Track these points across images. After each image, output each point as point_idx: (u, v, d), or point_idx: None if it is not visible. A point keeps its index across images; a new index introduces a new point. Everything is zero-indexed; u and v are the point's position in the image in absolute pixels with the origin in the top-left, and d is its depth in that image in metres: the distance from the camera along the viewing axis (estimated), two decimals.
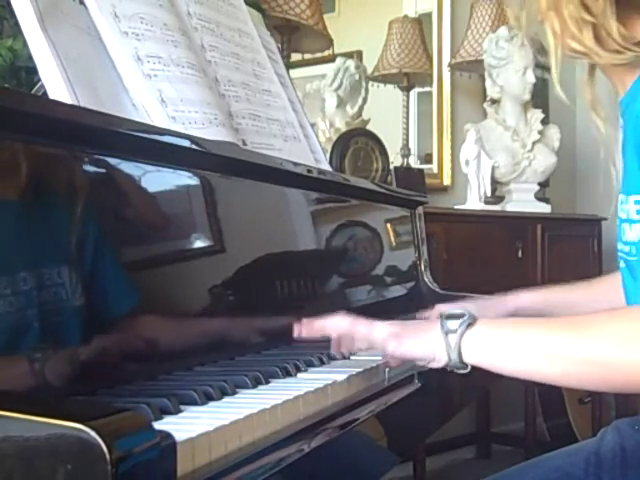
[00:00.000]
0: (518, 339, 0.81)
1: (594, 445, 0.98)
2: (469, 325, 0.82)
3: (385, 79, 2.98)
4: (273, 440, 0.66)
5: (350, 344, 0.89)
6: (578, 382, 0.81)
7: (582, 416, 2.89)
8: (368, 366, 0.93)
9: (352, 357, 0.98)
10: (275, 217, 1.11)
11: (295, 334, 0.90)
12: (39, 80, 0.87)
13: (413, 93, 3.06)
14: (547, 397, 2.87)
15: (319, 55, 2.52)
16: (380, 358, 0.95)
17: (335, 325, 0.89)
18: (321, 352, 0.95)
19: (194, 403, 0.69)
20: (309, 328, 0.90)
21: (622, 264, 0.93)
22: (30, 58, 0.86)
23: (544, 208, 2.97)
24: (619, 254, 0.93)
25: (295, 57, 2.41)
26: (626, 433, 0.97)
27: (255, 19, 1.32)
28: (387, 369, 0.95)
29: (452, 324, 0.83)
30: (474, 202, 2.77)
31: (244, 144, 1.11)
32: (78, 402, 0.65)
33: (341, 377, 0.84)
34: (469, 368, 0.83)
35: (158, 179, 0.86)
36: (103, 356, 0.73)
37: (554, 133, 3.04)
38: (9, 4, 0.86)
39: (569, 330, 0.79)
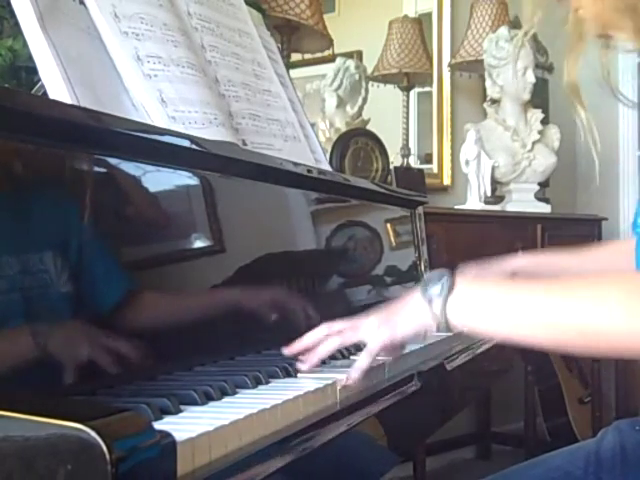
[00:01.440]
0: (504, 299, 0.78)
1: (594, 445, 0.97)
2: (450, 288, 0.80)
3: (385, 79, 2.98)
4: (273, 440, 0.66)
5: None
6: (567, 347, 0.76)
7: (582, 416, 2.89)
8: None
9: (352, 357, 0.98)
10: (275, 217, 1.11)
11: (286, 352, 0.88)
12: (39, 80, 0.87)
13: (413, 93, 3.06)
14: (547, 397, 2.87)
15: (319, 55, 2.52)
16: (381, 359, 0.94)
17: (327, 348, 0.86)
18: None
19: (194, 403, 0.69)
20: (300, 353, 0.87)
21: None
22: (30, 58, 0.86)
23: (544, 208, 2.97)
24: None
25: (295, 57, 2.41)
26: (626, 433, 0.97)
27: (255, 19, 1.32)
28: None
29: (433, 290, 0.81)
30: (474, 202, 2.77)
31: (244, 144, 1.11)
32: (78, 402, 0.65)
33: (341, 377, 0.84)
34: (459, 331, 0.82)
35: (158, 179, 0.86)
36: (103, 356, 0.73)
37: (554, 133, 3.04)
38: (9, 4, 0.86)
39: (564, 292, 0.75)
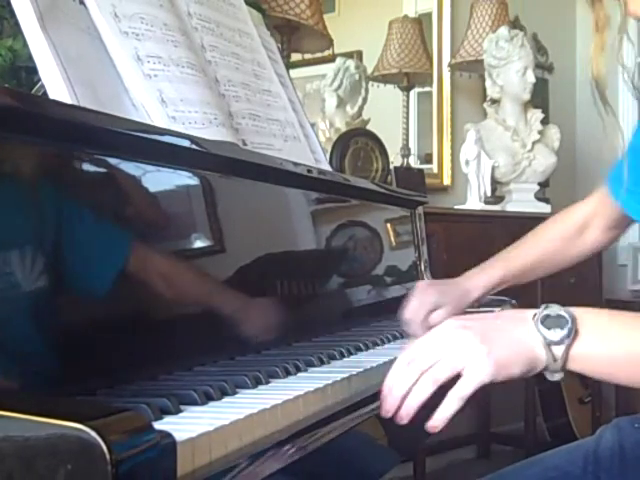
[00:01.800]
0: (633, 343, 0.73)
1: (593, 443, 0.97)
2: (576, 333, 0.72)
3: (385, 79, 2.98)
4: (273, 440, 0.66)
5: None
6: None
7: (582, 416, 2.90)
8: (368, 366, 0.93)
9: (352, 357, 0.98)
10: (275, 217, 1.11)
11: (384, 414, 0.75)
12: (39, 80, 0.86)
13: (413, 93, 3.07)
14: (547, 397, 2.87)
15: (319, 55, 2.52)
16: (382, 361, 0.87)
17: (421, 396, 0.72)
18: (321, 352, 0.95)
19: (194, 403, 0.69)
20: (396, 409, 0.74)
21: None
22: (30, 58, 0.86)
23: (544, 208, 2.97)
24: None
25: (295, 57, 2.41)
26: (625, 431, 0.96)
27: (255, 19, 1.32)
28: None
29: (554, 334, 0.72)
30: (474, 202, 2.77)
31: (244, 144, 1.11)
32: (78, 402, 0.65)
33: (341, 377, 0.84)
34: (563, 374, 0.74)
35: (158, 179, 0.86)
36: (103, 356, 0.73)
37: (554, 133, 3.04)
38: (9, 4, 0.86)
39: None
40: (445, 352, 0.72)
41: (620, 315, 0.77)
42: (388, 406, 0.73)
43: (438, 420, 0.71)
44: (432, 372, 0.71)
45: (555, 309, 0.73)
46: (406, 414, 0.72)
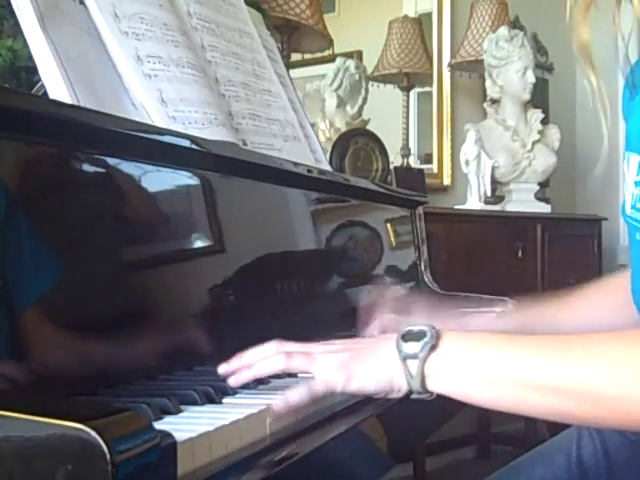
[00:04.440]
0: (496, 364, 0.66)
1: (574, 450, 0.93)
2: (432, 347, 0.67)
3: (385, 79, 2.98)
4: (274, 440, 0.66)
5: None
6: (574, 417, 0.66)
7: None
8: None
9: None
10: (275, 217, 1.11)
11: (221, 372, 0.75)
12: (39, 80, 0.86)
13: (413, 93, 3.07)
14: None
15: (319, 55, 2.52)
16: None
17: (267, 368, 0.73)
18: None
19: (194, 403, 0.69)
20: (236, 371, 0.74)
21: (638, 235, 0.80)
22: (30, 58, 0.86)
23: (544, 208, 2.97)
24: (632, 223, 0.80)
25: (295, 57, 2.41)
26: (605, 432, 0.92)
27: (255, 19, 1.32)
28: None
29: (410, 347, 0.68)
30: (474, 202, 2.77)
31: (244, 144, 1.11)
32: (78, 402, 0.65)
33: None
34: (434, 396, 0.69)
35: (158, 179, 0.86)
36: (103, 356, 0.73)
37: (554, 133, 3.04)
38: (9, 4, 0.86)
39: (563, 353, 0.64)
40: (309, 353, 0.73)
41: (493, 336, 0.70)
42: (232, 367, 0.74)
43: (279, 402, 0.70)
44: (289, 358, 0.72)
45: (420, 326, 0.69)
46: (241, 376, 0.73)
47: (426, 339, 0.68)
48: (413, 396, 0.69)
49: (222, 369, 0.74)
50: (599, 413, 0.62)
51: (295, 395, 0.70)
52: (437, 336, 0.68)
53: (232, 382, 0.73)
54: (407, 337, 0.69)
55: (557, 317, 1.01)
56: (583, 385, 0.62)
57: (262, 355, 0.74)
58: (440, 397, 0.69)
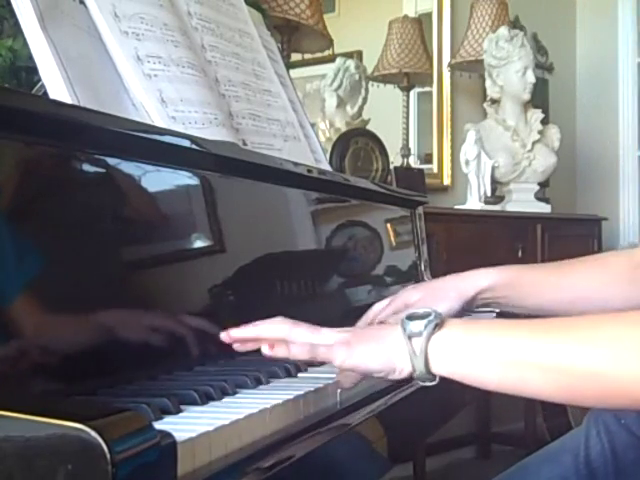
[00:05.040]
0: (501, 344, 0.66)
1: (582, 450, 0.93)
2: (436, 326, 0.68)
3: (385, 79, 2.98)
4: (274, 440, 0.66)
5: (284, 350, 0.73)
6: (577, 398, 0.66)
7: (582, 416, 2.89)
8: None
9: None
10: (275, 217, 1.11)
11: (225, 339, 0.76)
12: (39, 80, 0.87)
13: (413, 93, 3.07)
14: None
15: (319, 55, 2.52)
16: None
17: (271, 331, 0.74)
18: None
19: (194, 403, 0.69)
20: (240, 334, 0.75)
21: None
22: (30, 58, 0.86)
23: (544, 208, 2.97)
24: None
25: (295, 57, 2.41)
26: (614, 432, 0.92)
27: (255, 19, 1.32)
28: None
29: (415, 325, 0.68)
30: (474, 202, 2.78)
31: (244, 144, 1.11)
32: (78, 402, 0.65)
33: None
34: (437, 380, 0.69)
35: (158, 179, 0.86)
36: (104, 356, 0.73)
37: (554, 133, 3.04)
38: (9, 4, 0.86)
39: (567, 334, 0.65)
40: (316, 329, 0.74)
41: (498, 319, 0.71)
42: (237, 334, 0.75)
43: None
44: (295, 326, 0.75)
45: (426, 309, 0.70)
46: (241, 330, 0.75)
47: (431, 317, 0.68)
48: (415, 377, 0.69)
49: (224, 335, 0.76)
50: (604, 393, 0.63)
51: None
52: (441, 317, 0.69)
53: (223, 336, 0.75)
54: (412, 317, 0.69)
55: (549, 280, 1.01)
56: (588, 366, 0.62)
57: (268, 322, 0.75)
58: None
